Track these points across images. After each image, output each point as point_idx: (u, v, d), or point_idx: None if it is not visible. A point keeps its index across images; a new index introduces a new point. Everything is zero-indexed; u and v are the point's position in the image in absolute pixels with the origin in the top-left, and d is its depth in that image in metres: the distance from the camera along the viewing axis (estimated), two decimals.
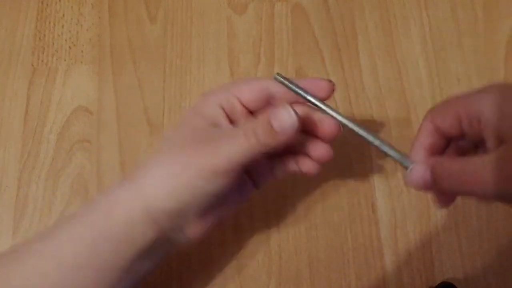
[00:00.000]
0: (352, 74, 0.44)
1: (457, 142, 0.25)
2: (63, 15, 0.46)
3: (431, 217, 0.40)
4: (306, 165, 0.29)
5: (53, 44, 0.45)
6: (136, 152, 0.41)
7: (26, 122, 0.42)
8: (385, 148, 0.25)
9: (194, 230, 0.27)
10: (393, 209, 0.40)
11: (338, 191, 0.40)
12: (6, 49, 0.44)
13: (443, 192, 0.25)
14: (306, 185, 0.40)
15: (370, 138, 0.25)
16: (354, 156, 0.41)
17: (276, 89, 0.27)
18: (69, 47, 0.45)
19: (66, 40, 0.45)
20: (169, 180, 0.25)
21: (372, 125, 0.42)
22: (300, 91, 0.26)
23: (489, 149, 0.22)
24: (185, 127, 0.27)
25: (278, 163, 0.30)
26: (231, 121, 0.27)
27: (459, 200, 0.40)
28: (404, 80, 0.43)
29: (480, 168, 0.21)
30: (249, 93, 0.27)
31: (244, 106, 0.27)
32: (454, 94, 0.43)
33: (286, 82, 0.26)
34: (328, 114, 0.26)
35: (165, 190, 0.25)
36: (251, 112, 0.28)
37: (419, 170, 0.23)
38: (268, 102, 0.28)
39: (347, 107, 0.43)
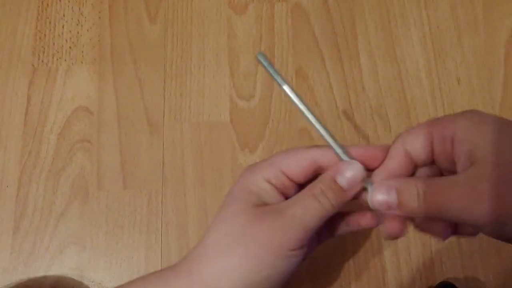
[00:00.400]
0: (352, 74, 0.44)
1: (422, 169, 0.24)
2: (64, 15, 0.46)
3: None
4: (365, 220, 0.26)
5: (54, 44, 0.45)
6: (136, 152, 0.41)
7: (26, 122, 0.42)
8: (330, 140, 0.24)
9: None
10: None
11: None
12: (7, 49, 0.44)
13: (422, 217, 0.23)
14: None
15: (322, 131, 0.24)
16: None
17: (325, 161, 0.24)
18: (70, 47, 0.45)
19: (66, 40, 0.45)
20: (238, 266, 0.22)
21: (372, 125, 0.42)
22: (277, 77, 0.24)
23: (459, 172, 0.21)
24: (244, 208, 0.23)
25: (339, 221, 0.27)
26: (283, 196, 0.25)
27: None
28: (404, 80, 0.43)
29: (453, 186, 0.20)
30: (297, 167, 0.24)
31: (291, 180, 0.25)
32: (454, 94, 0.43)
33: (265, 64, 0.24)
34: (297, 106, 0.25)
35: (231, 277, 0.22)
36: (300, 185, 0.25)
37: (381, 189, 0.22)
38: (316, 173, 0.25)
39: (347, 106, 0.43)
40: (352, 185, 0.23)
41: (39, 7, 0.46)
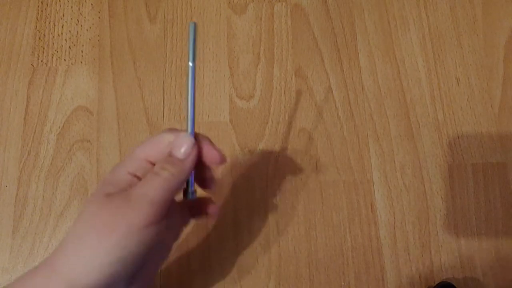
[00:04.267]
0: (352, 74, 0.44)
1: None
2: (63, 15, 0.46)
3: (430, 217, 0.40)
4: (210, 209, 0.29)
5: (53, 44, 0.45)
6: None
7: (26, 122, 0.42)
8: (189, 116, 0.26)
9: None
10: (392, 209, 0.40)
11: (337, 191, 0.40)
12: (6, 49, 0.44)
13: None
14: (305, 186, 0.40)
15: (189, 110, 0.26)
16: (352, 157, 0.41)
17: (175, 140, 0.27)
18: (69, 47, 0.45)
19: (66, 40, 0.45)
20: (91, 251, 0.22)
21: (371, 125, 0.42)
22: (190, 52, 0.25)
23: None
24: (96, 198, 0.24)
25: (187, 212, 0.30)
26: None
27: (458, 200, 0.40)
28: (403, 80, 0.44)
29: None
30: (156, 153, 0.26)
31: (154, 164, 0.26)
32: (453, 94, 0.43)
33: (190, 35, 0.25)
34: (187, 85, 0.26)
35: (87, 263, 0.22)
36: None
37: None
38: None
39: (347, 106, 0.43)
40: (186, 154, 0.25)
41: (38, 7, 0.46)
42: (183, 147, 0.25)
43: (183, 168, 0.25)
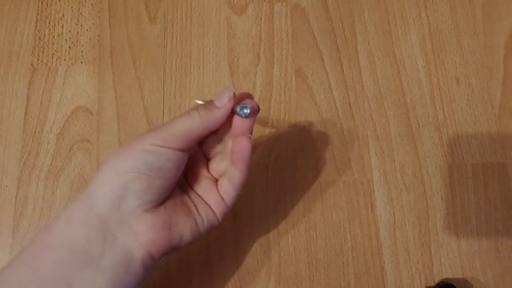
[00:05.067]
0: (352, 74, 0.44)
1: None
2: (63, 15, 0.46)
3: (430, 217, 0.40)
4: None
5: (53, 44, 0.45)
6: None
7: (26, 122, 0.42)
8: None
9: (141, 228, 0.26)
10: (392, 209, 0.40)
11: (337, 191, 0.40)
12: (6, 49, 0.44)
13: None
14: (305, 186, 0.41)
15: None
16: (353, 156, 0.41)
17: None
18: (69, 47, 0.45)
19: (66, 40, 0.45)
20: (110, 167, 0.26)
21: (372, 125, 0.42)
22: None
23: None
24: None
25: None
26: None
27: (458, 200, 0.40)
28: (403, 80, 0.44)
29: None
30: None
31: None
32: (453, 94, 0.43)
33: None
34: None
35: (106, 177, 0.25)
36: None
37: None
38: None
39: (346, 106, 0.43)
40: (222, 102, 0.28)
41: (38, 7, 0.46)
42: (221, 97, 0.28)
43: (213, 114, 0.28)
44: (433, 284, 0.38)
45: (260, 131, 0.42)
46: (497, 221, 0.40)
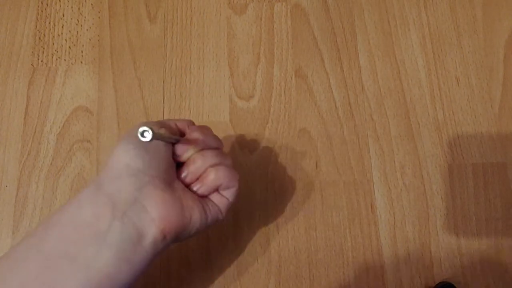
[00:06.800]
0: (352, 74, 0.44)
1: None
2: (63, 15, 0.46)
3: (430, 217, 0.40)
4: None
5: (53, 44, 0.45)
6: None
7: (26, 122, 0.42)
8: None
9: (152, 203, 0.26)
10: (392, 209, 0.40)
11: (337, 192, 0.40)
12: (6, 49, 0.44)
13: None
14: (305, 186, 0.41)
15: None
16: (353, 157, 0.41)
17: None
18: (69, 47, 0.45)
19: (66, 40, 0.45)
20: (114, 152, 0.27)
21: (371, 125, 0.42)
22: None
23: None
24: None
25: None
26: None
27: (458, 200, 0.40)
28: (403, 80, 0.44)
29: None
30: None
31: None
32: (453, 94, 0.43)
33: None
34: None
35: (111, 161, 0.27)
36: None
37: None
38: None
39: (347, 106, 0.43)
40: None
41: (38, 7, 0.46)
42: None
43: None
44: (433, 284, 0.38)
45: (260, 131, 0.42)
46: (497, 221, 0.40)
